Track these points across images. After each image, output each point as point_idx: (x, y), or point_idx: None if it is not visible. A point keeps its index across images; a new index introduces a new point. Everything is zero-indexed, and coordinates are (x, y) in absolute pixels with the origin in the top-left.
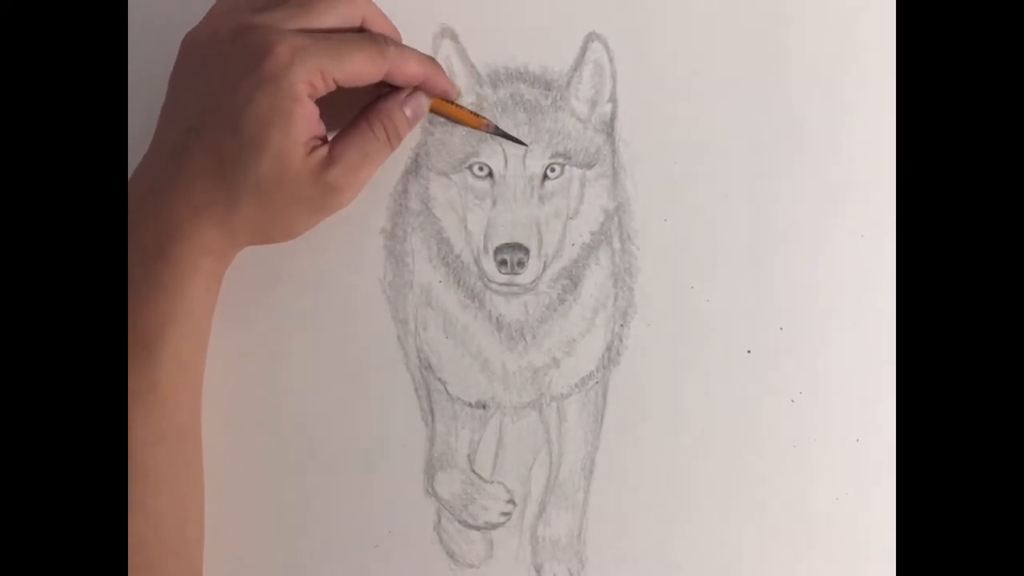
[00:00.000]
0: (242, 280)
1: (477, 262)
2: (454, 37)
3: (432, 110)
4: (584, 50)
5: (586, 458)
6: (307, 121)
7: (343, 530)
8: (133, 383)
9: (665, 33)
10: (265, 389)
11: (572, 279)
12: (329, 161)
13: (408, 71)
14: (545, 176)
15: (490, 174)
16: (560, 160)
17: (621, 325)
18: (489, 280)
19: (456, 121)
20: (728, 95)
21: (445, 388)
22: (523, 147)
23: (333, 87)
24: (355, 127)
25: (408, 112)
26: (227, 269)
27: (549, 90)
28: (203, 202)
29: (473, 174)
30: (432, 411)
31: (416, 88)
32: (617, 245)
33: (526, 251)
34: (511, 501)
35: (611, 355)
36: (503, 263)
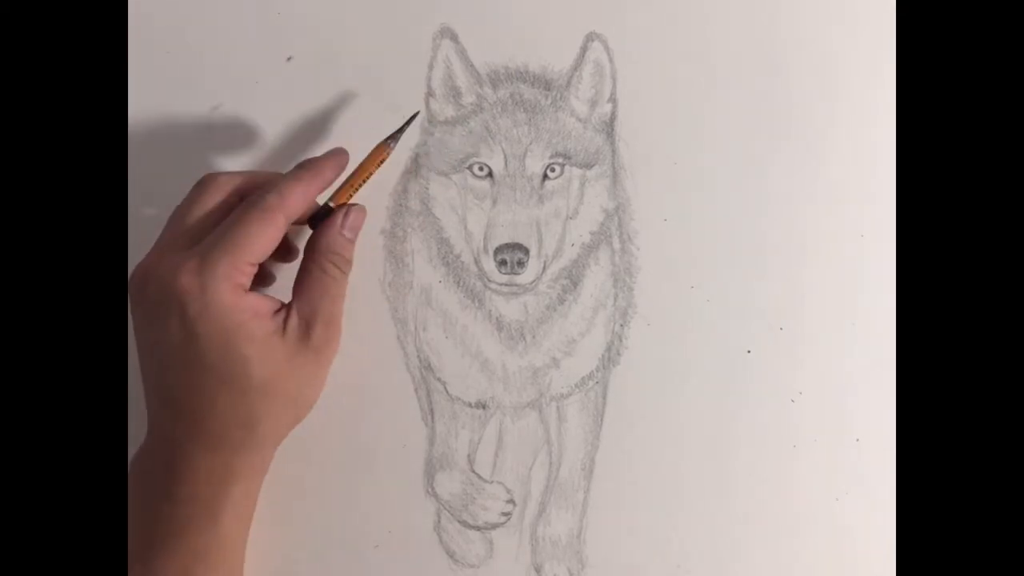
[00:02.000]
0: None
1: (477, 262)
2: (454, 37)
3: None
4: (584, 50)
5: (586, 458)
6: (258, 313)
7: (343, 530)
8: None
9: (665, 33)
10: None
11: (572, 279)
12: (305, 327)
13: (296, 201)
14: (545, 176)
15: (490, 174)
16: (560, 160)
17: (621, 325)
18: (489, 280)
19: (377, 168)
20: (728, 95)
21: (445, 388)
22: (415, 116)
23: (255, 270)
24: (308, 276)
25: (349, 235)
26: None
27: (549, 90)
28: (217, 440)
29: (473, 174)
30: (432, 411)
31: (349, 208)
32: (617, 245)
33: (526, 251)
34: (511, 501)
35: (611, 355)
36: (503, 263)
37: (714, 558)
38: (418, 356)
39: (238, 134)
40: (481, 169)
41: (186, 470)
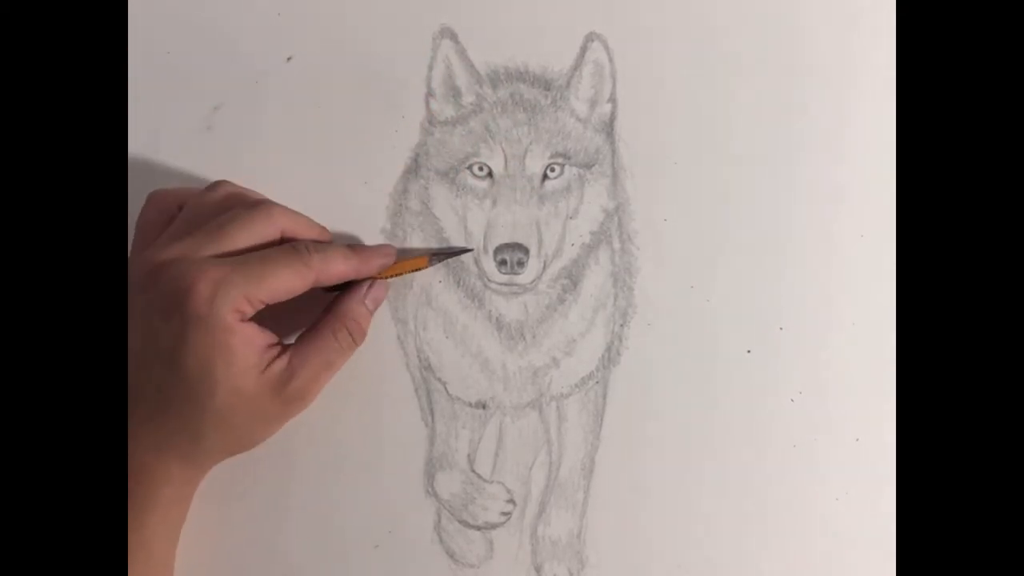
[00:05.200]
0: None
1: (477, 262)
2: (454, 37)
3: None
4: (584, 50)
5: (586, 458)
6: (249, 344)
7: (343, 530)
8: None
9: (665, 33)
10: None
11: (572, 279)
12: (289, 374)
13: (334, 272)
14: (545, 176)
15: (490, 174)
16: (560, 160)
17: (621, 325)
18: (489, 280)
19: (410, 271)
20: (728, 95)
21: (445, 388)
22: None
23: (262, 307)
24: (317, 334)
25: (370, 305)
26: (196, 490)
27: (549, 90)
28: (164, 439)
29: (473, 174)
30: (432, 411)
31: (375, 279)
32: (617, 245)
33: (526, 251)
34: (511, 501)
35: (611, 355)
36: (503, 263)
37: (714, 558)
38: (418, 356)
39: (238, 134)
40: (481, 169)
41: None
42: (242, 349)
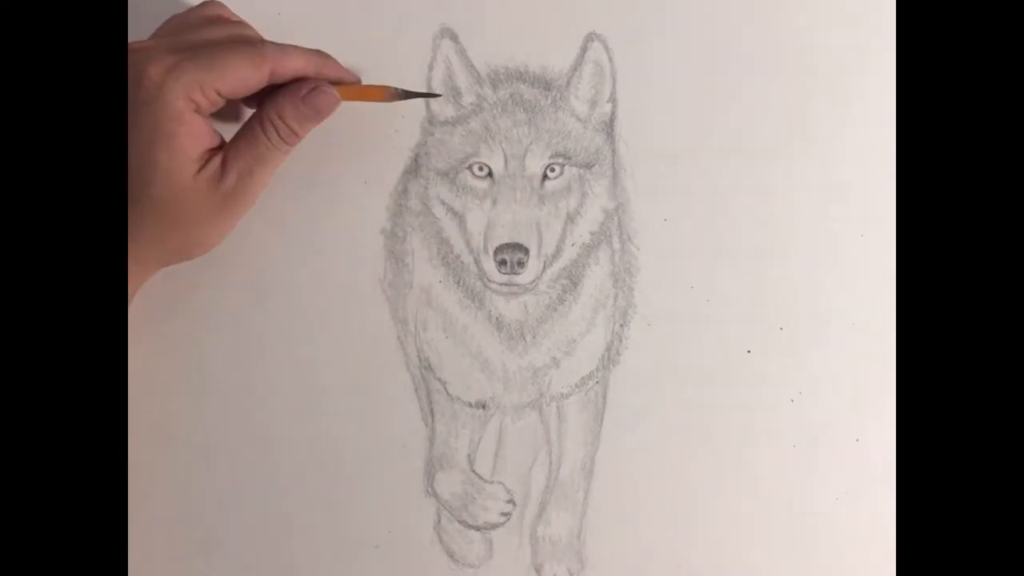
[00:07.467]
0: (243, 280)
1: (477, 262)
2: (454, 37)
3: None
4: (584, 50)
5: (586, 458)
6: (194, 137)
7: (343, 530)
8: None
9: (665, 33)
10: (265, 389)
11: (572, 279)
12: (222, 172)
13: (291, 66)
14: (545, 176)
15: (490, 174)
16: (560, 160)
17: (621, 325)
18: (489, 280)
19: (367, 100)
20: (728, 95)
21: (445, 388)
22: (435, 95)
23: (220, 100)
24: (247, 128)
25: (306, 109)
26: (140, 289)
27: (549, 90)
28: None
29: (473, 174)
30: (432, 411)
31: (320, 85)
32: (617, 245)
33: (526, 251)
34: (511, 501)
35: (611, 355)
36: (503, 263)
37: (714, 558)
38: (418, 356)
39: None
40: (481, 169)
41: None
42: (186, 139)
